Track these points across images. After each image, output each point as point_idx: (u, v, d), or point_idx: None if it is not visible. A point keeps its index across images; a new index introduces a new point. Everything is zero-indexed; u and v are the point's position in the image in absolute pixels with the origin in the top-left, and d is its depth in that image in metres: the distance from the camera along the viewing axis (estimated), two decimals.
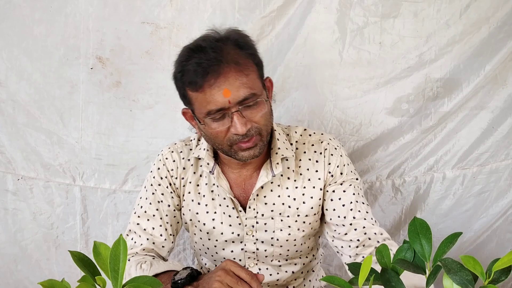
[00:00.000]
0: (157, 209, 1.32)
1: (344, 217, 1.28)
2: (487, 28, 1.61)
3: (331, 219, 1.31)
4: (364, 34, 1.61)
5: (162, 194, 1.33)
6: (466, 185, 1.79)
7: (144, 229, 1.32)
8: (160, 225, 1.32)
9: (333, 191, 1.30)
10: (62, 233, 1.78)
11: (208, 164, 1.28)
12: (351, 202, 1.29)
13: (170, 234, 1.33)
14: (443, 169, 1.77)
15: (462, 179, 1.79)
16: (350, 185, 1.30)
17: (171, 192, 1.34)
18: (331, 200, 1.30)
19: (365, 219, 1.27)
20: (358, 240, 1.26)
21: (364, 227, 1.26)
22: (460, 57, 1.64)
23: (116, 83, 1.64)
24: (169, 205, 1.33)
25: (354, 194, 1.29)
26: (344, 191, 1.30)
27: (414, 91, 1.66)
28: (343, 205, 1.29)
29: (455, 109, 1.69)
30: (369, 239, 1.24)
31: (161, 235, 1.31)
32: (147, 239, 1.30)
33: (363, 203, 1.30)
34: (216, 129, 1.16)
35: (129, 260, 1.26)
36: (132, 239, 1.32)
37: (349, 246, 1.27)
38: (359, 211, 1.28)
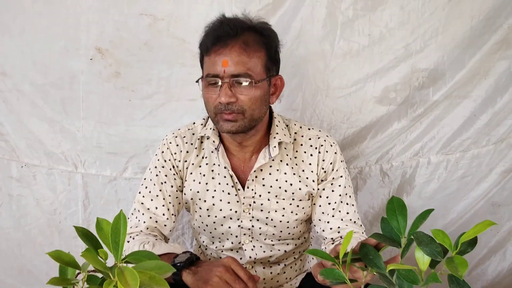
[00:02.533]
0: (160, 190, 1.36)
1: (326, 214, 1.36)
2: (470, 21, 1.64)
3: (315, 213, 1.37)
4: (354, 26, 1.64)
5: (166, 175, 1.37)
6: (450, 169, 1.83)
7: (148, 208, 1.35)
8: (163, 205, 1.36)
9: (324, 189, 1.36)
10: (65, 219, 1.79)
11: (213, 142, 1.33)
12: (335, 202, 1.35)
13: (172, 214, 1.37)
14: (428, 154, 1.81)
15: (446, 164, 1.82)
16: (340, 185, 1.36)
17: (173, 174, 1.37)
18: (320, 196, 1.36)
19: (342, 219, 1.34)
20: (332, 238, 1.33)
21: (338, 227, 1.33)
22: (445, 49, 1.67)
23: (116, 73, 1.65)
24: (172, 186, 1.37)
25: (340, 195, 1.35)
26: (333, 191, 1.35)
27: (400, 80, 1.69)
28: (329, 203, 1.35)
29: (440, 98, 1.73)
30: (341, 237, 1.32)
31: (163, 214, 1.35)
32: (150, 217, 1.34)
33: (347, 203, 1.36)
34: (208, 93, 1.24)
35: (133, 238, 1.30)
36: (136, 217, 1.35)
37: (324, 239, 1.36)
38: (339, 211, 1.34)
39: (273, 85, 1.30)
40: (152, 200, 1.36)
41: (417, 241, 0.72)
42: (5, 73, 1.64)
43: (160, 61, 1.63)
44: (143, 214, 1.35)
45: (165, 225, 1.36)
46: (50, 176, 1.77)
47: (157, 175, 1.38)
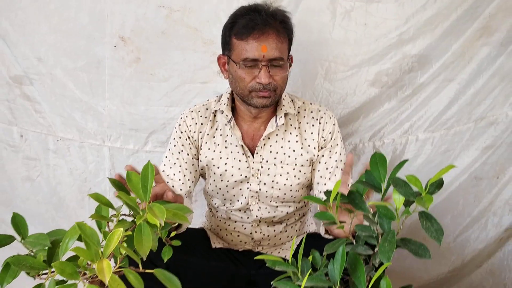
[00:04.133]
0: (177, 158, 1.50)
1: (324, 177, 1.48)
2: (455, 10, 1.73)
3: (315, 177, 1.50)
4: (351, 16, 1.74)
5: (182, 145, 1.51)
6: (435, 145, 1.91)
7: (167, 175, 1.50)
8: (179, 172, 1.50)
9: (322, 155, 1.49)
10: (94, 186, 1.91)
11: (226, 115, 1.47)
12: (332, 167, 1.48)
13: (188, 179, 1.50)
14: (416, 132, 1.89)
15: (432, 141, 1.90)
16: (336, 152, 1.49)
17: (189, 144, 1.51)
18: (319, 162, 1.49)
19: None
20: None
21: None
22: (433, 36, 1.77)
23: (136, 59, 1.77)
24: (188, 154, 1.51)
25: (336, 161, 1.48)
26: (330, 157, 1.48)
27: (392, 65, 1.79)
28: (326, 169, 1.48)
29: (427, 81, 1.82)
30: None
31: (179, 179, 1.49)
32: (167, 182, 1.46)
33: (341, 169, 1.47)
34: (243, 74, 1.37)
35: None
36: None
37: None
38: (335, 175, 1.47)
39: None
40: (171, 168, 1.50)
41: (394, 184, 0.86)
42: (41, 58, 1.79)
43: (175, 48, 1.75)
44: (168, 161, 1.50)
45: (180, 189, 1.48)
46: (82, 149, 1.90)
47: (175, 145, 1.51)
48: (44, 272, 0.91)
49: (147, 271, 0.93)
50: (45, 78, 1.82)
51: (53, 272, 0.90)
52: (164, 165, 1.53)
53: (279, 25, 1.38)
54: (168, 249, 1.03)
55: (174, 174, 1.50)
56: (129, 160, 1.90)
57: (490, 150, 1.94)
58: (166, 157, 1.54)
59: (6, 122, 1.92)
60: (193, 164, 1.53)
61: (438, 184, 0.88)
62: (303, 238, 1.00)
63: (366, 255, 0.91)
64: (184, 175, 1.50)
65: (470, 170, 1.96)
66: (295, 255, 0.95)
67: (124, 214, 1.03)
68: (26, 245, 0.93)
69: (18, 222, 0.96)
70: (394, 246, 0.82)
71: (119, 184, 1.07)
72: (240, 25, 1.36)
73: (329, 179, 1.48)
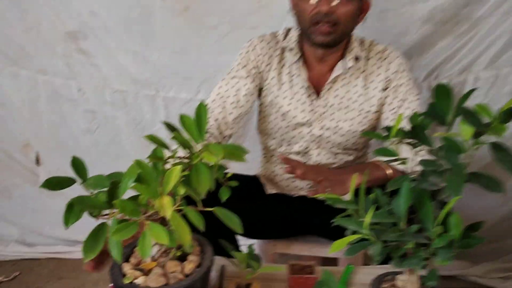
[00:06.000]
0: (237, 82, 1.38)
1: (389, 120, 1.38)
2: None
3: (380, 120, 1.42)
4: None
5: (247, 73, 1.40)
6: (498, 85, 1.77)
7: (220, 96, 1.38)
8: (235, 95, 1.38)
9: (387, 96, 1.39)
10: None
11: (295, 54, 1.39)
12: (396, 107, 1.38)
13: (241, 106, 1.37)
14: (475, 70, 1.76)
15: (494, 79, 1.77)
16: (401, 92, 1.37)
17: (254, 73, 1.40)
18: (383, 104, 1.40)
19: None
20: None
21: None
22: None
23: (186, 8, 1.72)
24: (251, 82, 1.39)
25: (402, 99, 1.37)
26: (395, 98, 1.38)
27: (447, 0, 1.64)
28: (392, 109, 1.38)
29: (486, 14, 1.67)
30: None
31: (232, 103, 1.38)
32: (220, 112, 1.36)
33: (408, 108, 1.36)
34: (304, 5, 1.27)
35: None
36: (209, 108, 1.37)
37: None
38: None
39: (362, 6, 1.33)
40: (227, 90, 1.39)
41: (462, 113, 0.77)
42: (94, 12, 1.76)
43: None
44: (217, 105, 1.37)
45: (230, 113, 1.37)
46: (137, 100, 1.90)
47: (237, 71, 1.40)
48: (105, 213, 0.90)
49: (206, 209, 0.91)
50: (99, 31, 1.81)
51: (114, 212, 0.89)
52: (220, 87, 1.40)
53: None
54: (226, 190, 1.00)
55: (228, 97, 1.38)
56: (183, 109, 1.89)
57: None
58: (224, 79, 1.41)
59: (64, 77, 1.93)
60: (252, 94, 1.41)
61: (510, 113, 0.79)
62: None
63: (432, 192, 0.85)
64: (238, 101, 1.38)
65: None
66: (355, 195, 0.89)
67: (179, 157, 1.01)
68: (86, 186, 0.92)
69: (78, 165, 0.95)
70: (464, 178, 0.75)
71: (173, 127, 1.04)
72: None
73: (392, 120, 1.38)
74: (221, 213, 0.93)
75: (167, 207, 0.79)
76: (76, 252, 2.13)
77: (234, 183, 1.02)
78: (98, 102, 1.94)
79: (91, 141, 2.02)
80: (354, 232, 0.85)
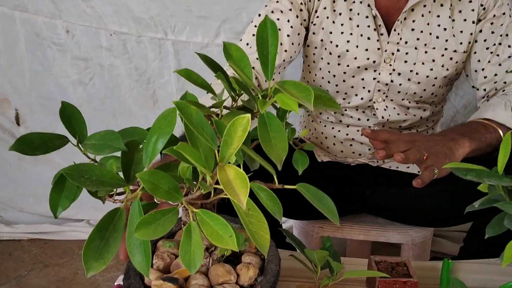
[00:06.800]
0: (278, 19, 1.09)
1: (482, 62, 1.10)
2: None
3: (470, 63, 1.13)
4: None
5: (291, 3, 1.10)
6: None
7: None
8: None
9: (481, 30, 1.09)
10: (159, 88, 1.67)
11: None
12: (494, 44, 1.08)
13: (285, 50, 1.10)
14: None
15: None
16: (502, 24, 1.08)
17: (301, 4, 1.11)
18: (476, 41, 1.10)
19: (500, 64, 1.07)
20: (485, 90, 1.10)
21: (495, 75, 1.08)
22: None
23: None
24: (297, 17, 1.10)
25: (501, 35, 1.08)
26: (492, 32, 1.08)
27: None
28: (487, 48, 1.09)
29: None
30: (495, 89, 1.09)
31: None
32: (257, 58, 1.09)
33: (509, 46, 1.08)
34: None
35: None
36: None
37: (477, 90, 1.13)
38: (497, 55, 1.07)
39: None
40: None
41: None
42: None
43: None
44: (254, 50, 1.08)
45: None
46: (140, 44, 1.64)
47: (278, 2, 1.11)
48: (119, 191, 0.57)
49: (286, 186, 0.56)
50: None
51: (134, 190, 0.55)
52: (256, 26, 1.11)
53: None
54: (302, 156, 0.65)
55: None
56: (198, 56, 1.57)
57: None
58: (259, 15, 1.13)
59: (48, 15, 1.64)
60: (298, 34, 1.11)
61: None
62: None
63: None
64: (281, 44, 1.09)
65: None
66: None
67: (226, 107, 0.68)
68: (86, 149, 0.59)
69: (70, 115, 0.61)
70: None
71: (212, 62, 0.72)
72: None
73: (489, 61, 1.08)
74: (309, 191, 0.58)
75: (240, 186, 0.43)
76: (66, 232, 1.85)
77: (311, 146, 0.68)
78: (91, 47, 1.68)
79: (83, 96, 1.76)
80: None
